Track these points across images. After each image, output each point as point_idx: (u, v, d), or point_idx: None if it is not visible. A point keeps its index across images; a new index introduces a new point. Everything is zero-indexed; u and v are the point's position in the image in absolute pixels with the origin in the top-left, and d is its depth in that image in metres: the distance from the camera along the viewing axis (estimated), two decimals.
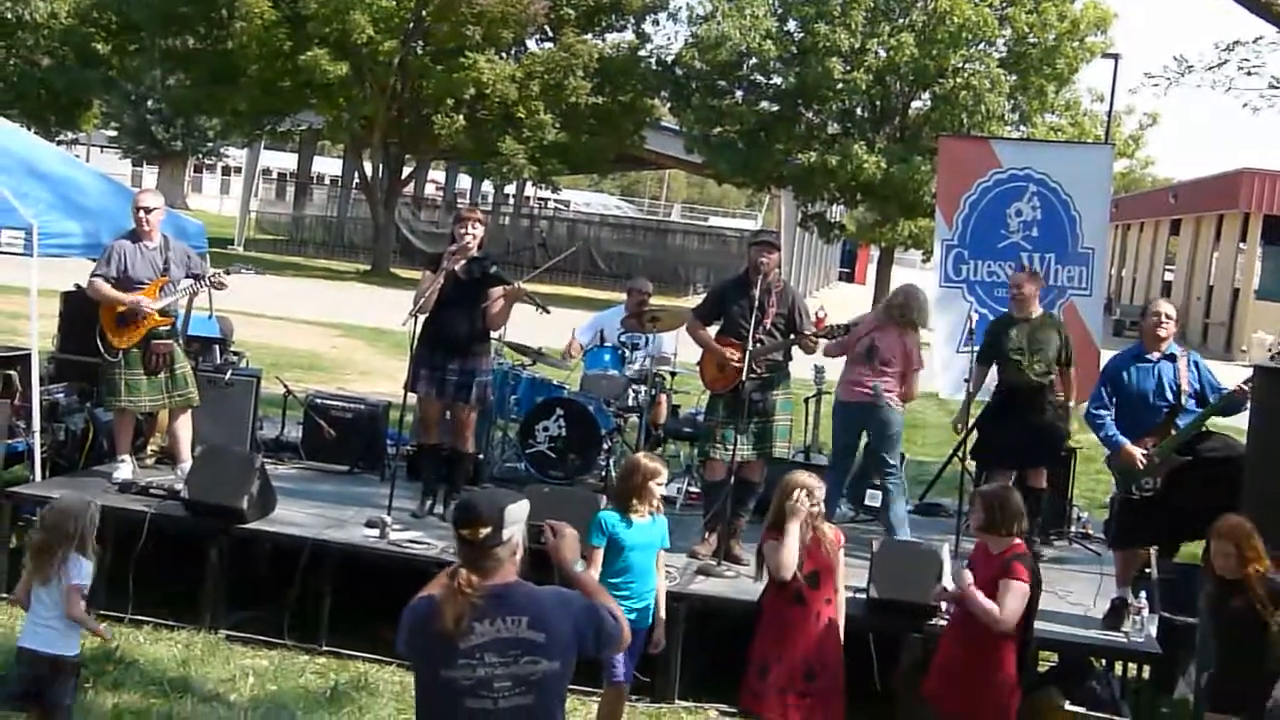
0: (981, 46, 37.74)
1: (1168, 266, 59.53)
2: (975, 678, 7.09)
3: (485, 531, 4.67)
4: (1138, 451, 9.14)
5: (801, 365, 10.69)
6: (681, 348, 12.30)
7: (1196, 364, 9.53)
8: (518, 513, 4.78)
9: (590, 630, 4.81)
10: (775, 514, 7.21)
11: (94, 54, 47.35)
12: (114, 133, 73.62)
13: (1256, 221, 46.41)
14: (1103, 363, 10.33)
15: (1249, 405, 8.62)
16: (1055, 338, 10.63)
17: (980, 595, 6.94)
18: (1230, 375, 10.86)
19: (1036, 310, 10.75)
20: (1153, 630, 8.75)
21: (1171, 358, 9.48)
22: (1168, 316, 9.62)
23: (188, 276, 10.27)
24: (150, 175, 74.09)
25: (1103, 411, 9.49)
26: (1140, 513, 9.19)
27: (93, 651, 7.90)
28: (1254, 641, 6.84)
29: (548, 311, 10.38)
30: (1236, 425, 9.10)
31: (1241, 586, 6.89)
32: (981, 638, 7.01)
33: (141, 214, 10.13)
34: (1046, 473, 10.68)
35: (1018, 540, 7.14)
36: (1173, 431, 9.17)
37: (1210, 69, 16.37)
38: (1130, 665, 9.28)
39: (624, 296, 13.03)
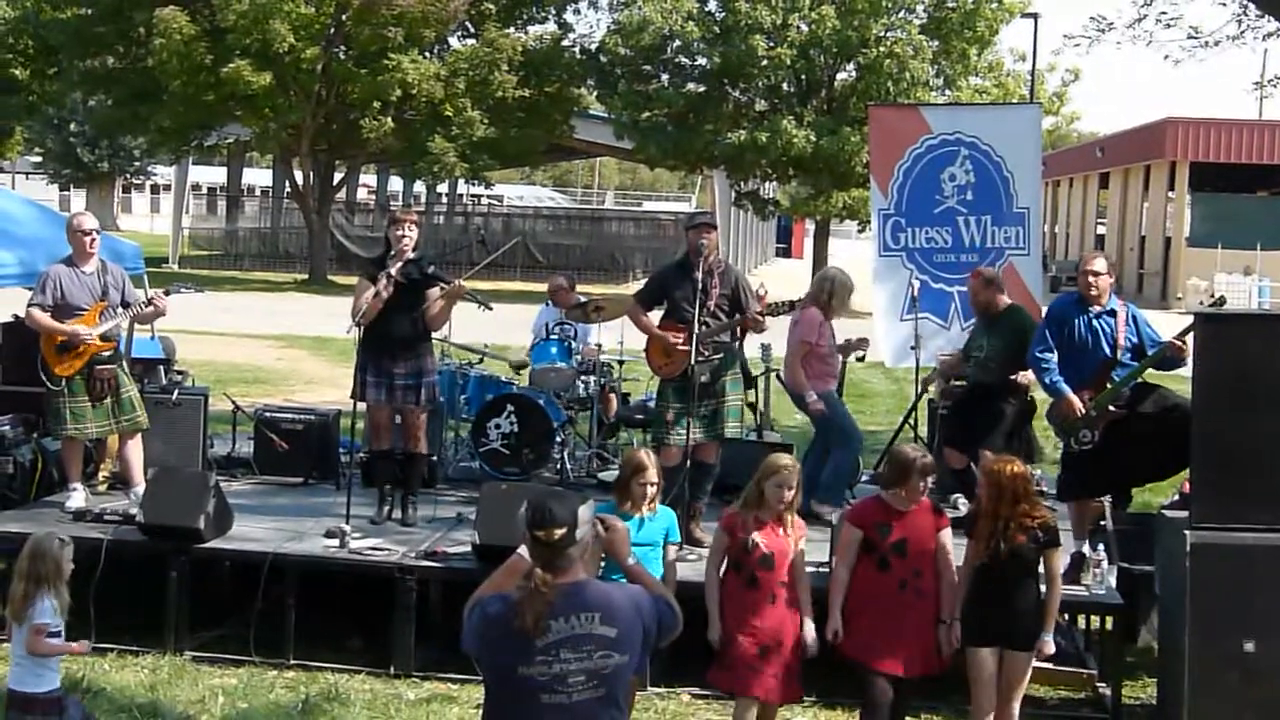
0: (902, 14, 37.92)
1: (1099, 220, 60.05)
2: (918, 635, 7.39)
3: (560, 533, 4.81)
4: (1078, 402, 9.21)
5: (748, 344, 10.71)
6: (627, 335, 12.30)
7: (1135, 318, 9.46)
8: (586, 513, 4.95)
9: (653, 622, 4.97)
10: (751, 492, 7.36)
11: (12, 80, 46.85)
12: (39, 158, 72.89)
13: (1183, 169, 46.94)
14: None
15: (1192, 351, 8.61)
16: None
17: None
18: (1168, 324, 10.93)
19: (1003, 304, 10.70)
20: (1112, 581, 8.82)
21: (1111, 313, 9.43)
22: (1095, 274, 9.43)
23: (123, 304, 10.18)
24: (78, 198, 73.35)
25: (1048, 355, 9.44)
26: (1082, 465, 9.26)
27: (62, 682, 7.84)
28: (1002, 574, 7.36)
29: (490, 308, 10.38)
30: (1177, 375, 9.14)
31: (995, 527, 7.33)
32: (925, 599, 7.37)
33: (90, 237, 10.04)
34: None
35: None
36: (1108, 385, 9.23)
37: (1129, 25, 16.54)
38: (1093, 617, 9.40)
39: None
